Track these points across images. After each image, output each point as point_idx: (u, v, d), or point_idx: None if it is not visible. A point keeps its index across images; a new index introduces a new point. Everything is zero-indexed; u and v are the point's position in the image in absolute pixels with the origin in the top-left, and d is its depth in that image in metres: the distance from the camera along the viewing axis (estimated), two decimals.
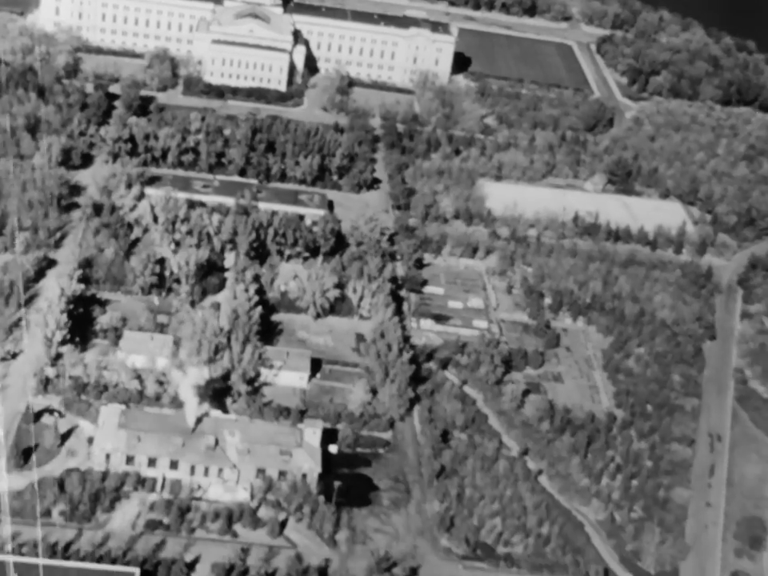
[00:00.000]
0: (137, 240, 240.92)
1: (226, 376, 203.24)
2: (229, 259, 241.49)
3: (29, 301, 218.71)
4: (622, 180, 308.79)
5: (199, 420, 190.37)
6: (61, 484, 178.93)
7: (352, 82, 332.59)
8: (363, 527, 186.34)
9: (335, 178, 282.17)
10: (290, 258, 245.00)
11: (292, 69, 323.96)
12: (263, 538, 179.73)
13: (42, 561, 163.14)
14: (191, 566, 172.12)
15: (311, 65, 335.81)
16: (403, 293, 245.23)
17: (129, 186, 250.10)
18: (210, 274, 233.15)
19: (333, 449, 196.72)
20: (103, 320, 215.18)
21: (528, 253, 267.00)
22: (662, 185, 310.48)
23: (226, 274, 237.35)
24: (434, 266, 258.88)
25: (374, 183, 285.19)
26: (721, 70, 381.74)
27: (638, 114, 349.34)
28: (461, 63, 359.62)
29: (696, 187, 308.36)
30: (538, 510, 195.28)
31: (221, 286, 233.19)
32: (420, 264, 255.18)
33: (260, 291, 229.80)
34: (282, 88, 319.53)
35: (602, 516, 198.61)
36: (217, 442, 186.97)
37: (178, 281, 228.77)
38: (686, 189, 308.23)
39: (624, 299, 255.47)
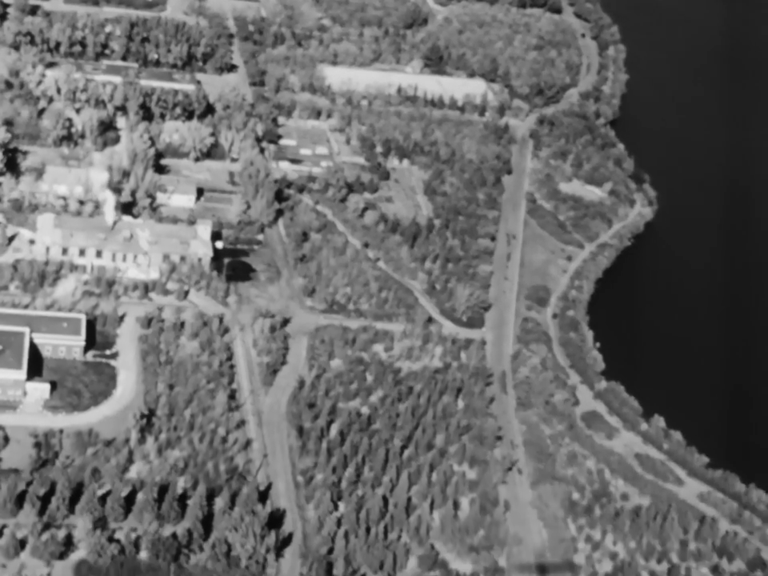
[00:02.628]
0: (43, 109, 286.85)
1: (132, 195, 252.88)
2: (121, 122, 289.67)
3: None
4: (436, 64, 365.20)
5: (115, 223, 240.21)
6: (14, 267, 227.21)
7: None
8: (247, 294, 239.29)
9: (200, 63, 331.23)
10: (170, 119, 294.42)
11: None
12: (173, 301, 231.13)
13: (8, 310, 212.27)
14: (121, 319, 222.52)
15: None
16: (264, 144, 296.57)
17: (33, 67, 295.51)
18: (107, 130, 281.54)
19: (219, 244, 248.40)
20: (27, 162, 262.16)
21: (362, 115, 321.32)
22: (468, 67, 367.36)
23: (120, 132, 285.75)
24: (287, 126, 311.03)
25: (232, 68, 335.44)
26: None
27: (447, 15, 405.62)
28: None
29: (496, 68, 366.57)
30: (377, 281, 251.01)
31: (117, 140, 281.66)
32: (275, 123, 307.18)
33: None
34: None
35: (425, 286, 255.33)
36: (131, 236, 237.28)
37: (82, 136, 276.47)
38: (488, 69, 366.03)
39: (439, 145, 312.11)
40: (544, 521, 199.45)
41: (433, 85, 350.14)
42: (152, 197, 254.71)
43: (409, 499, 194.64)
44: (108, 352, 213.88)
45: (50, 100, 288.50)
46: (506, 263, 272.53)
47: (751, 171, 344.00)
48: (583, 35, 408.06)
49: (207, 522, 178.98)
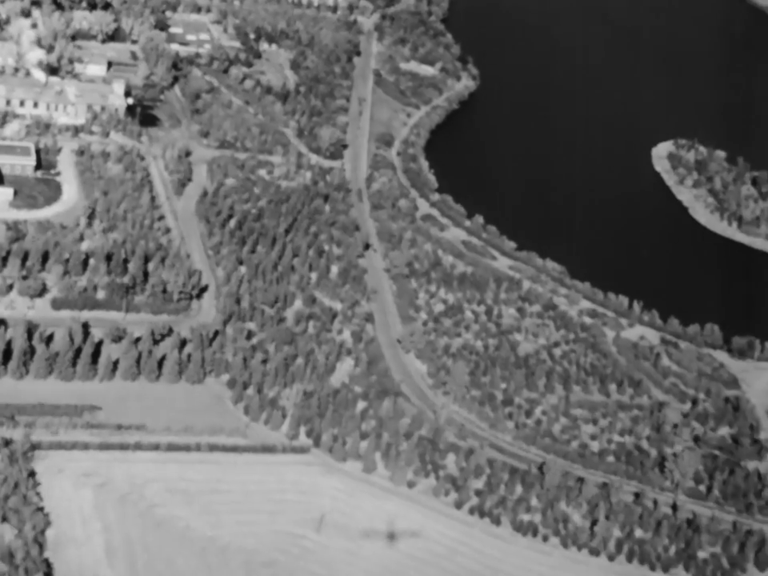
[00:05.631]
0: None
1: (58, 62, 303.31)
2: (36, 13, 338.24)
3: None
4: None
5: (47, 81, 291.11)
6: None
7: None
8: (156, 135, 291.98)
9: None
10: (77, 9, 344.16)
11: None
12: (98, 139, 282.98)
13: None
14: (59, 150, 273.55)
15: None
16: (156, 31, 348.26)
17: None
18: (27, 17, 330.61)
19: (129, 100, 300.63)
20: None
21: (235, 11, 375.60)
22: None
23: (37, 20, 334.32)
24: (174, 18, 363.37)
25: None
26: None
27: None
28: None
29: None
30: (258, 127, 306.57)
31: (35, 26, 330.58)
32: (164, 15, 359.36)
33: None
34: None
35: (296, 132, 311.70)
36: (61, 91, 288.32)
37: (7, 21, 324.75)
38: None
39: (300, 32, 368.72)
40: (393, 279, 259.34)
41: None
42: (72, 63, 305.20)
43: (292, 266, 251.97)
44: (52, 171, 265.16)
45: None
46: (359, 117, 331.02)
47: (555, 53, 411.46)
48: None
49: (145, 275, 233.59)
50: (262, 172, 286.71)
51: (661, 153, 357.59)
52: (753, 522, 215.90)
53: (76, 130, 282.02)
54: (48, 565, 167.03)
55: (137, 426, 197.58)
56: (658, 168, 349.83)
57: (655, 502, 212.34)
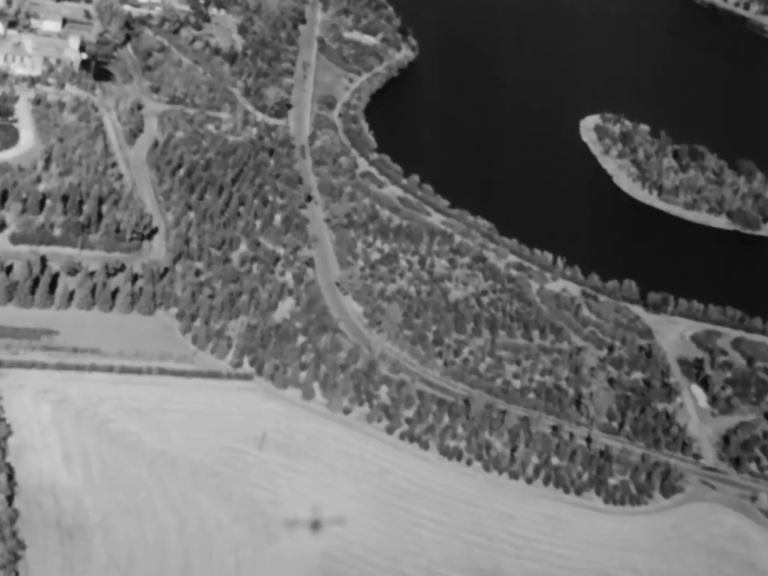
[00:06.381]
0: None
1: (15, 16, 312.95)
2: None
3: None
4: None
5: (5, 34, 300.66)
6: None
7: None
8: (109, 89, 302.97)
9: None
10: None
11: None
12: (54, 90, 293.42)
13: None
14: (16, 99, 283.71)
15: None
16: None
17: None
18: None
19: (84, 55, 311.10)
20: None
21: None
22: None
23: None
24: None
25: None
26: None
27: None
28: None
29: None
30: (207, 85, 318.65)
31: None
32: None
33: None
34: None
35: (243, 91, 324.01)
36: (19, 43, 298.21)
37: None
38: None
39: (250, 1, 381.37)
40: (333, 229, 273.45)
41: None
42: (29, 18, 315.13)
43: (238, 213, 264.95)
44: (10, 118, 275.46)
45: None
46: (303, 81, 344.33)
47: (492, 28, 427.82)
48: None
49: (99, 216, 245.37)
50: (210, 127, 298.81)
51: (588, 125, 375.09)
52: (660, 455, 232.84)
53: (32, 81, 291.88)
54: (10, 468, 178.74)
55: (92, 350, 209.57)
56: (585, 139, 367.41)
57: (571, 435, 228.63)
